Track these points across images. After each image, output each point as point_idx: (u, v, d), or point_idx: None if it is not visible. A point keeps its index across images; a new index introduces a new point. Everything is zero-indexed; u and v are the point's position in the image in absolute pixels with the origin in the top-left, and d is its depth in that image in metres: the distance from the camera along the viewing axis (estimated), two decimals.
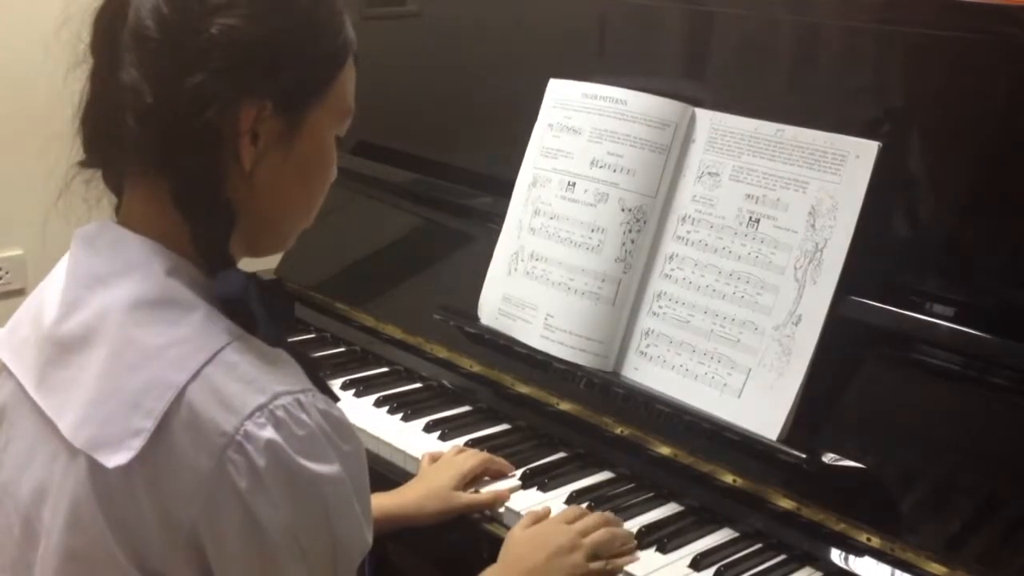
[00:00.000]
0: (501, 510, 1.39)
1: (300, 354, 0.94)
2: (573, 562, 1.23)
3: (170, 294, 0.89)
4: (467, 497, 1.39)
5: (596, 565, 1.25)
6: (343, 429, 0.90)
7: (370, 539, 0.93)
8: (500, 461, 1.46)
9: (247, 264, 0.97)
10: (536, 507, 1.37)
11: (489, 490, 1.42)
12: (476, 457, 1.45)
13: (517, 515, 1.36)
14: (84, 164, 0.96)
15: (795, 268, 1.36)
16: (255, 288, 0.92)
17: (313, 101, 0.93)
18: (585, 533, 1.26)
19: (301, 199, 0.98)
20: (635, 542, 1.31)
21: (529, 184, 1.65)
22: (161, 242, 0.91)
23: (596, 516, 1.32)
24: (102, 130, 0.93)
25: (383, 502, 1.35)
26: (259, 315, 0.91)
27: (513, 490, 1.42)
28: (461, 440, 1.55)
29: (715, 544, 1.32)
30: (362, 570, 0.95)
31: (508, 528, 1.34)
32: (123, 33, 0.88)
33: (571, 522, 1.29)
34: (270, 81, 0.89)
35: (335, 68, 0.95)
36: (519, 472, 1.47)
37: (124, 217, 0.95)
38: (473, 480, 1.43)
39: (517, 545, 1.27)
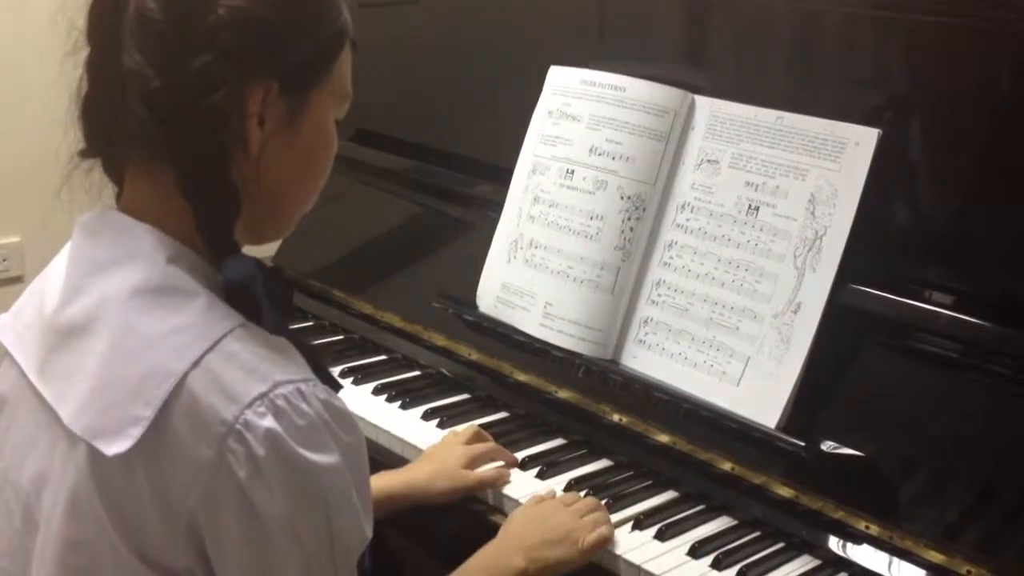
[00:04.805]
0: (502, 491, 1.40)
1: (303, 343, 0.94)
2: (572, 540, 1.24)
3: (171, 281, 0.89)
4: (475, 475, 1.40)
5: (591, 540, 1.25)
6: (344, 419, 0.90)
7: (369, 532, 0.93)
8: (504, 452, 1.47)
9: (247, 253, 0.96)
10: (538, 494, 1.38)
11: (493, 466, 1.43)
12: (485, 445, 1.46)
13: (516, 503, 1.37)
14: (84, 154, 0.96)
15: (794, 256, 1.36)
16: (261, 274, 0.92)
17: (316, 82, 0.94)
18: (582, 515, 1.28)
19: (304, 183, 0.98)
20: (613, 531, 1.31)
21: (528, 172, 1.64)
22: (163, 229, 0.91)
23: (590, 500, 1.34)
24: (103, 119, 0.93)
25: (390, 481, 1.36)
26: (263, 302, 0.91)
27: (514, 466, 1.45)
28: (460, 428, 1.55)
29: (714, 532, 1.33)
30: (362, 561, 0.95)
31: (507, 515, 1.35)
32: (124, 18, 0.87)
33: (568, 505, 1.30)
34: (276, 62, 0.90)
35: (336, 49, 0.96)
36: (518, 459, 1.47)
37: (126, 204, 0.95)
38: (479, 464, 1.43)
39: (516, 523, 1.28)
